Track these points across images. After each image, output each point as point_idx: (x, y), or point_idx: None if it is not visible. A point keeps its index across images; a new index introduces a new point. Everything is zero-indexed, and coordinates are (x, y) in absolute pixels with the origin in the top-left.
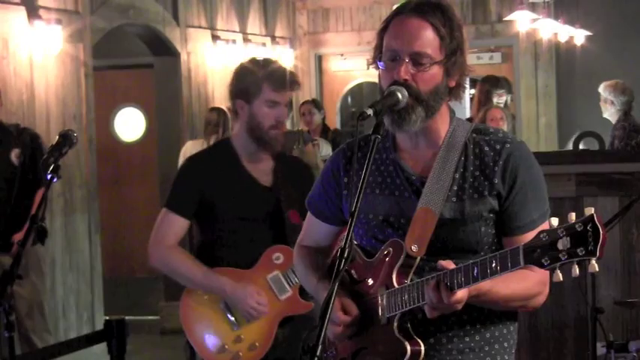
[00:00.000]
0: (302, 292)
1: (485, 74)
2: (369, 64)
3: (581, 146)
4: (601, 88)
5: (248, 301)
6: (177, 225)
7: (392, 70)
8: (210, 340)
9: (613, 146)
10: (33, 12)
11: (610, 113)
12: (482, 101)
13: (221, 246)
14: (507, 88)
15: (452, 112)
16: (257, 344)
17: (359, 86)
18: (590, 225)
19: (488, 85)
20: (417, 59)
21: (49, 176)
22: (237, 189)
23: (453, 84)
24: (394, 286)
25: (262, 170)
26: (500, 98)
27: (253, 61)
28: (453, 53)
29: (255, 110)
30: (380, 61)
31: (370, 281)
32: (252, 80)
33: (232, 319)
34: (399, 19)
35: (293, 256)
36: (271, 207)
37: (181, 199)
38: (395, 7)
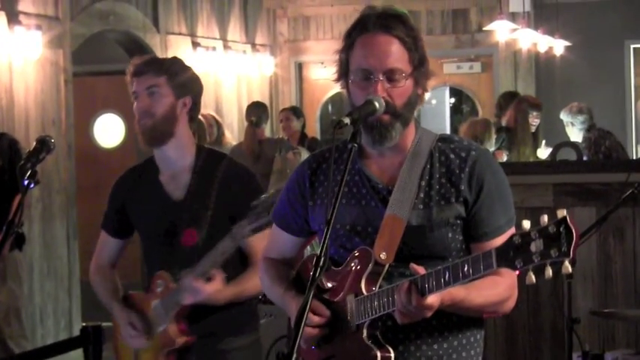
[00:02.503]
0: (192, 320)
1: (464, 83)
2: (335, 81)
3: (558, 157)
4: (562, 114)
5: (122, 331)
6: (107, 244)
7: (366, 89)
8: None
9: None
10: (13, 17)
11: (575, 135)
12: (519, 120)
13: (145, 264)
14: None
15: (417, 122)
16: None
17: (339, 94)
18: (562, 226)
19: (526, 105)
20: (391, 76)
21: (25, 182)
22: (148, 204)
23: (420, 91)
24: (363, 294)
25: (178, 183)
26: (534, 120)
27: None
28: (420, 63)
29: None
30: (347, 78)
31: (339, 289)
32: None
33: (134, 349)
34: (365, 38)
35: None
36: (176, 225)
37: (108, 217)
38: (355, 21)
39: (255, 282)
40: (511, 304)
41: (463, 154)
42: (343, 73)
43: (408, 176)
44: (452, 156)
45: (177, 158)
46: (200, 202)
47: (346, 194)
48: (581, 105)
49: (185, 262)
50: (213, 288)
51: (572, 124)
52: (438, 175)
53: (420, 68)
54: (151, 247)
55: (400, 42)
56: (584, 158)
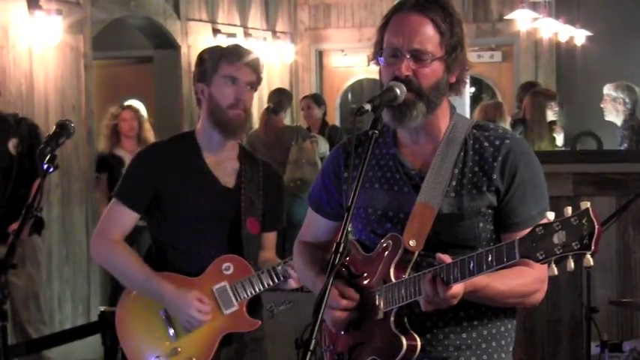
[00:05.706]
0: (251, 310)
1: (485, 73)
2: (369, 60)
3: (578, 146)
4: (609, 89)
5: (187, 309)
6: (124, 218)
7: (393, 67)
8: (145, 349)
9: (621, 146)
10: (33, 2)
11: (617, 114)
12: (535, 115)
13: (171, 248)
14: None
15: (452, 108)
16: (194, 359)
17: (359, 82)
18: (585, 219)
19: (542, 98)
20: (418, 55)
21: (45, 166)
22: (193, 186)
23: (453, 79)
24: (392, 281)
25: (226, 170)
26: (552, 110)
27: (214, 45)
28: (453, 49)
29: (213, 90)
30: (380, 57)
31: (369, 276)
32: (209, 58)
33: (171, 329)
34: (399, 16)
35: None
36: (229, 211)
37: (132, 189)
38: (395, 2)
39: None
40: (539, 296)
41: (497, 143)
42: (377, 53)
43: (442, 163)
44: (486, 144)
45: (229, 146)
46: (254, 193)
47: (379, 179)
48: (631, 85)
49: (249, 249)
50: None
51: (625, 101)
52: (471, 164)
53: (452, 54)
54: (200, 230)
55: (433, 24)
56: (626, 143)
